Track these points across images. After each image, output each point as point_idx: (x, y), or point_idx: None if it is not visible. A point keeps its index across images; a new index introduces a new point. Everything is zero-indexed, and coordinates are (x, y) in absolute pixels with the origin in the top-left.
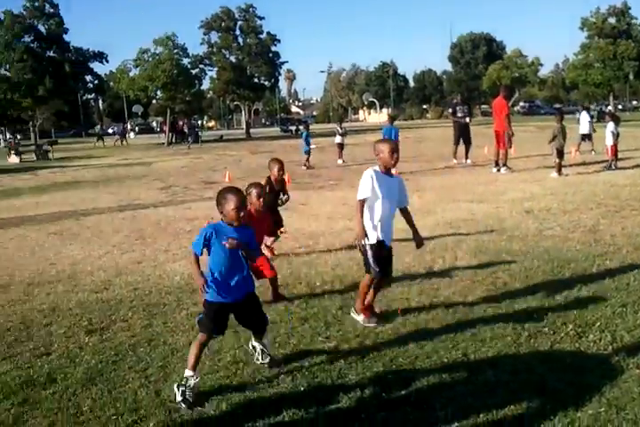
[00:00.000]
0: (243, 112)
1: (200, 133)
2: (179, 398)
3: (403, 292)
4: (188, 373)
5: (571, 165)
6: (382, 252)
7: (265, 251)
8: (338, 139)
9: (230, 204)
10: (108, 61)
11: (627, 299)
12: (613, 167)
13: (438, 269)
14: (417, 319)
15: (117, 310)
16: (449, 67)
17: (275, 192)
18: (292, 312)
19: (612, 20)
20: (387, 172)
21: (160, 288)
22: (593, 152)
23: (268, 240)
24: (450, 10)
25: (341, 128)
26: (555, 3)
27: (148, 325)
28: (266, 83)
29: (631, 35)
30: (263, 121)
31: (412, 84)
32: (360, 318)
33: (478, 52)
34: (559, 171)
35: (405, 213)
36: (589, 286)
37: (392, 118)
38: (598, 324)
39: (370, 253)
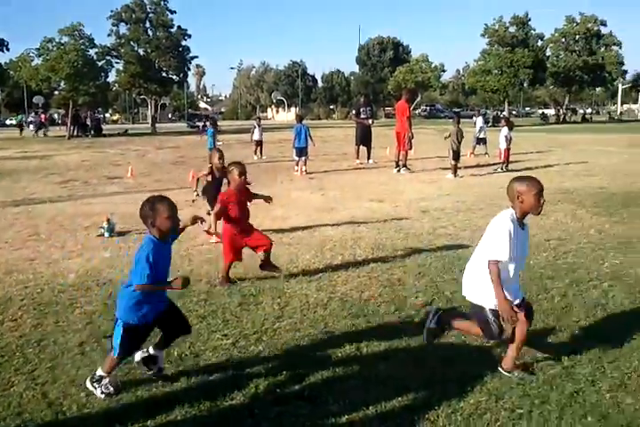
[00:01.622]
0: (149, 106)
1: (102, 126)
2: (99, 394)
3: (302, 288)
4: (99, 372)
5: (466, 167)
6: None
7: (214, 238)
8: (256, 135)
9: (163, 213)
10: (8, 50)
11: None
12: (505, 170)
13: (337, 266)
14: (314, 315)
15: (6, 309)
16: (357, 68)
17: (218, 180)
18: (189, 310)
19: (513, 29)
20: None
21: (53, 286)
22: (487, 155)
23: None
24: (360, 13)
25: (259, 125)
26: (458, 10)
27: (39, 324)
28: (174, 77)
29: (528, 44)
30: (170, 116)
31: (320, 84)
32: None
33: (385, 56)
34: (455, 172)
35: None
36: None
37: (300, 117)
38: None
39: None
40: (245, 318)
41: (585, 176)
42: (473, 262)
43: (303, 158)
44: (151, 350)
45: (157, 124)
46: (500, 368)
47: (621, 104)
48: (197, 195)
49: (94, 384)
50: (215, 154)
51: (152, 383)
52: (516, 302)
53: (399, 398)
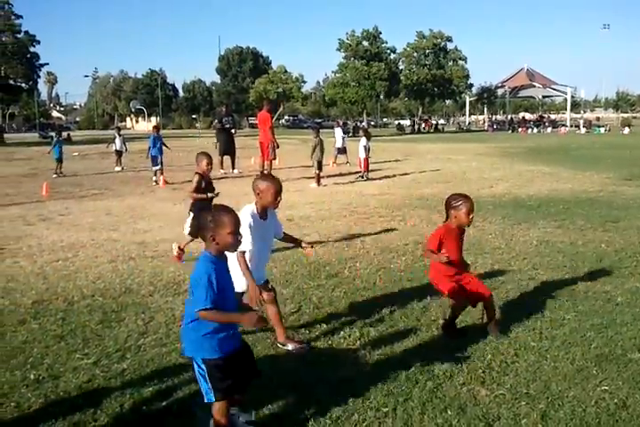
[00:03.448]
0: None
1: None
2: None
3: (167, 302)
4: None
5: (328, 177)
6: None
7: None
8: (117, 145)
9: (227, 227)
10: None
11: (373, 297)
12: (365, 178)
13: None
14: (178, 329)
15: None
16: (218, 79)
17: (208, 185)
18: (46, 330)
19: (366, 43)
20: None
21: None
22: (348, 164)
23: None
24: (220, 22)
25: (120, 135)
26: (318, 24)
27: None
28: (23, 85)
29: (382, 57)
30: (15, 126)
31: (181, 93)
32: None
33: (245, 66)
34: (318, 181)
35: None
36: (341, 286)
37: (156, 128)
38: (348, 320)
39: None
40: (107, 335)
41: (438, 183)
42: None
43: (159, 168)
44: (241, 418)
45: (6, 135)
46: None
47: (469, 115)
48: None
49: None
50: (204, 159)
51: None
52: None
53: (268, 406)
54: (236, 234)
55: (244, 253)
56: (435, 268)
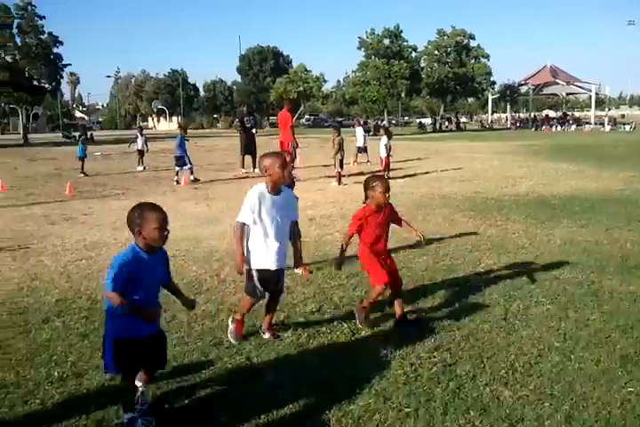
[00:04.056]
0: (20, 116)
1: None
2: None
3: None
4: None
5: (349, 175)
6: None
7: None
8: (139, 145)
9: (152, 223)
10: None
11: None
12: (386, 177)
13: (225, 277)
14: (202, 327)
15: None
16: (239, 78)
17: None
18: (70, 328)
19: (387, 42)
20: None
21: None
22: (369, 163)
23: None
24: (240, 21)
25: (142, 135)
26: (337, 23)
27: None
28: (46, 86)
29: (403, 55)
30: (36, 127)
31: (202, 93)
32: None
33: (266, 65)
34: (339, 180)
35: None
36: (362, 286)
37: (182, 127)
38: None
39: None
40: None
41: (460, 181)
42: None
43: (185, 167)
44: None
45: (30, 135)
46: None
47: (492, 113)
48: None
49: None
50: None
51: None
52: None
53: (289, 406)
54: (161, 230)
55: (243, 224)
56: (363, 249)
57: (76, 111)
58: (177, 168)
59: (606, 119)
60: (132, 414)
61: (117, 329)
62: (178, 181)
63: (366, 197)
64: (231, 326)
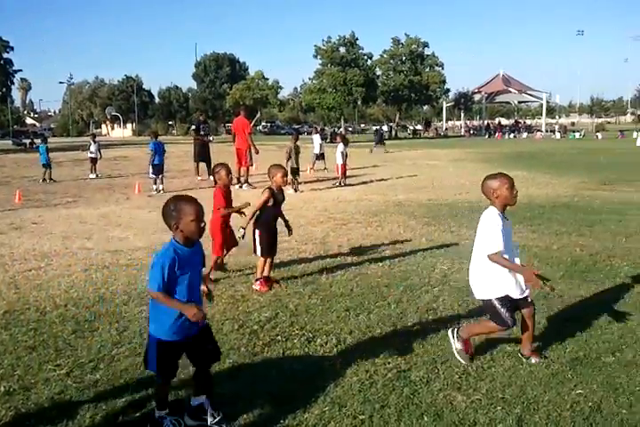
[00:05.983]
0: None
1: None
2: None
3: (141, 311)
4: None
5: (306, 183)
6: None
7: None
8: (92, 152)
9: (189, 215)
10: None
11: (350, 304)
12: (342, 184)
13: None
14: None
15: None
16: (195, 85)
17: (278, 204)
18: (17, 341)
19: (343, 50)
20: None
21: None
22: (326, 170)
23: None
24: (196, 28)
25: (95, 142)
26: (295, 31)
27: None
28: None
29: (359, 64)
30: None
31: (157, 99)
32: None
33: (222, 72)
34: (295, 188)
35: None
36: (318, 293)
37: (154, 133)
38: (325, 328)
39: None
40: (80, 346)
41: (415, 189)
42: (472, 263)
43: (160, 176)
44: (193, 402)
45: None
46: (520, 355)
47: (446, 121)
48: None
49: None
50: (280, 170)
51: None
52: (527, 292)
53: (245, 416)
54: (199, 222)
55: (496, 253)
56: (214, 221)
57: (27, 118)
58: (153, 176)
59: (557, 127)
60: (163, 413)
61: (160, 331)
62: (158, 190)
63: (215, 182)
64: (459, 347)
